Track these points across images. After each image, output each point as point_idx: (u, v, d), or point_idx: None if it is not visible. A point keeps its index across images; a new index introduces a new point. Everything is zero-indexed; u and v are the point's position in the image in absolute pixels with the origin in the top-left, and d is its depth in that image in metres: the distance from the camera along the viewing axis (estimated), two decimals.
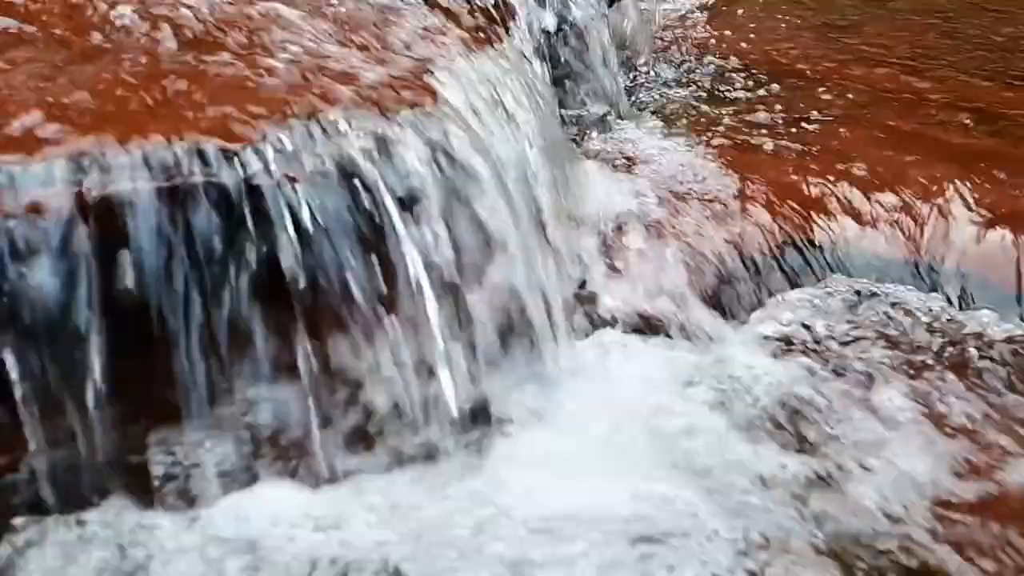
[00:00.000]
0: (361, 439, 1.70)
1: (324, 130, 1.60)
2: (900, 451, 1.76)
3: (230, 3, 1.93)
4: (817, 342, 2.02)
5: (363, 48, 1.87)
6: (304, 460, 1.67)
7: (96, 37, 1.78)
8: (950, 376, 1.94)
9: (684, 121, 2.70)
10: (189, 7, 1.89)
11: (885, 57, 3.09)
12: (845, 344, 2.02)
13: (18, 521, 1.55)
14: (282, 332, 1.61)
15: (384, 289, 1.64)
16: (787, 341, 2.03)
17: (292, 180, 1.55)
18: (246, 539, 1.57)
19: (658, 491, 1.66)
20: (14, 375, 1.46)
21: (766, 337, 2.03)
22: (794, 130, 2.60)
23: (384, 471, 1.70)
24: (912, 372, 1.95)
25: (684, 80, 2.95)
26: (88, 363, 1.49)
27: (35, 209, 1.42)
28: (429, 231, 1.67)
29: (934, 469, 1.73)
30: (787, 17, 3.45)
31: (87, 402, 1.51)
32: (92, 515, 1.58)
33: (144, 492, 1.60)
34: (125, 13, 1.85)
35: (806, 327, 2.05)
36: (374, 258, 1.62)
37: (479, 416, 1.76)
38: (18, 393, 1.47)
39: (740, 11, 3.50)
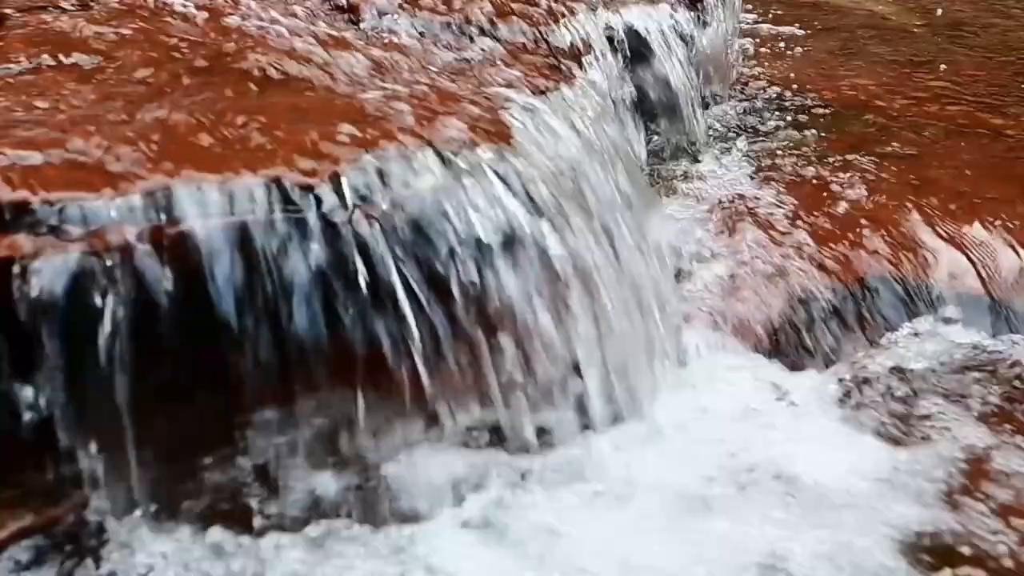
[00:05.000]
0: None
1: (401, 166, 1.60)
2: None
3: (302, 39, 1.94)
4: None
5: (437, 85, 1.88)
6: None
7: (170, 72, 1.80)
8: None
9: (758, 154, 2.69)
10: (262, 43, 1.91)
11: (961, 94, 3.07)
12: None
13: None
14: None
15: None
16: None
17: (369, 216, 1.55)
18: None
19: None
20: None
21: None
22: (870, 166, 2.57)
23: None
24: None
25: (759, 114, 2.94)
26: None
27: (110, 244, 1.42)
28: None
29: None
30: (863, 53, 3.45)
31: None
32: None
33: None
34: (198, 49, 1.87)
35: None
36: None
37: None
38: None
39: (816, 46, 3.50)
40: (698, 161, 2.63)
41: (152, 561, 1.53)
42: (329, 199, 1.53)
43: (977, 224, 2.31)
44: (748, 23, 3.68)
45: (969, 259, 2.24)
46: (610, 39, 2.36)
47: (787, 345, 2.08)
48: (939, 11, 3.80)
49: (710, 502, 1.70)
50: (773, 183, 2.50)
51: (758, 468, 1.76)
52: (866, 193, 2.43)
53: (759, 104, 3.01)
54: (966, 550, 1.60)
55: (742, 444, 1.81)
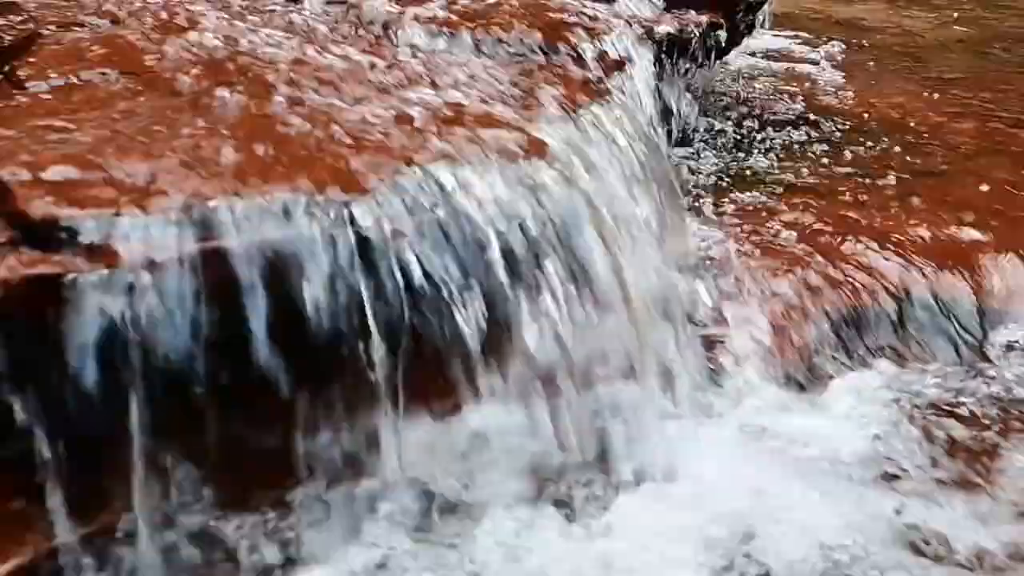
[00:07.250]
0: None
1: (435, 182, 1.59)
2: None
3: (337, 58, 1.94)
4: None
5: (474, 99, 1.87)
6: None
7: (205, 88, 1.80)
8: None
9: (788, 167, 2.69)
10: (295, 60, 1.91)
11: (993, 110, 3.06)
12: None
13: None
14: None
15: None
16: None
17: (401, 233, 1.55)
18: None
19: None
20: None
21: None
22: (902, 183, 2.57)
23: None
24: None
25: (791, 128, 2.95)
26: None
27: (148, 261, 1.42)
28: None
29: None
30: (895, 70, 3.46)
31: None
32: None
33: None
34: (231, 66, 1.87)
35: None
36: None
37: None
38: None
39: (849, 62, 3.50)
40: (726, 169, 2.65)
41: None
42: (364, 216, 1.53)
43: (1012, 241, 2.29)
44: (781, 40, 3.70)
45: (1005, 275, 2.24)
46: (647, 51, 2.35)
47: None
48: (972, 28, 3.80)
49: None
50: (803, 196, 2.50)
51: None
52: (897, 209, 2.43)
53: (791, 118, 3.02)
54: None
55: None
